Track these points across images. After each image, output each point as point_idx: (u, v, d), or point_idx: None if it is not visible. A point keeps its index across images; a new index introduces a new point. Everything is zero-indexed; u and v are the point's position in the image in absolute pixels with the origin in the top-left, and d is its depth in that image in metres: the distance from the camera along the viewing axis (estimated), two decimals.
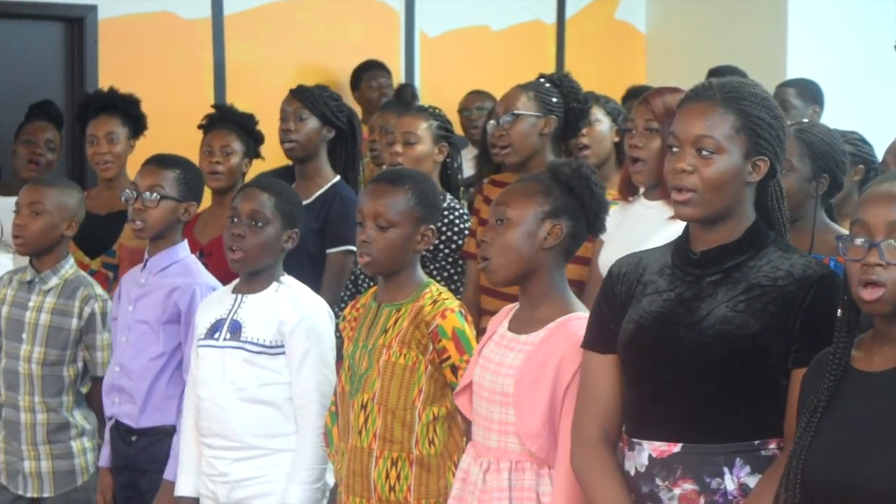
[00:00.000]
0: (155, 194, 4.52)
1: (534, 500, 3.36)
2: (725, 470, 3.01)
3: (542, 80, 4.96)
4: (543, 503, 3.36)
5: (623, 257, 3.29)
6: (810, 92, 7.33)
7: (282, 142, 5.47)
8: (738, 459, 3.02)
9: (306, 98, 5.46)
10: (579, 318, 3.40)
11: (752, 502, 2.98)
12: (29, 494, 4.78)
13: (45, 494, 4.77)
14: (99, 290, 4.83)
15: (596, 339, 3.22)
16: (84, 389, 4.84)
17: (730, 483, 3.01)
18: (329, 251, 5.27)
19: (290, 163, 5.94)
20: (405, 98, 7.79)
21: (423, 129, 5.19)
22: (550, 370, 3.33)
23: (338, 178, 5.45)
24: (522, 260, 3.44)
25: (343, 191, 5.37)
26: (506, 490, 3.37)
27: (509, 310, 3.58)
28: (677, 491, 3.05)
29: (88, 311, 4.76)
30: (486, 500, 3.40)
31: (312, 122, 5.44)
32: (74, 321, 4.76)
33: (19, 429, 4.77)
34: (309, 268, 5.12)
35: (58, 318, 4.77)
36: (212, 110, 5.89)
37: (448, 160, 5.29)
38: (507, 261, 3.44)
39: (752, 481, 3.00)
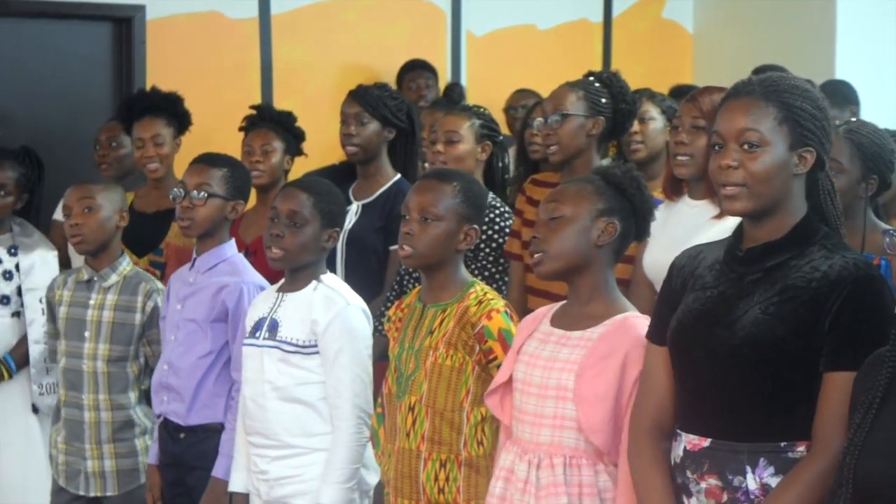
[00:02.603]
0: (202, 193, 4.54)
1: (595, 497, 3.38)
2: (748, 469, 3.04)
3: (591, 78, 4.93)
4: (605, 499, 3.37)
5: (686, 250, 3.32)
6: (842, 94, 7.25)
7: (343, 145, 5.47)
8: (762, 459, 3.03)
9: (366, 101, 5.46)
10: (637, 316, 3.46)
11: (771, 502, 2.98)
12: (91, 494, 4.80)
13: (109, 493, 4.80)
14: (159, 284, 4.88)
15: (655, 331, 3.27)
16: (145, 387, 4.85)
17: (751, 482, 3.03)
18: (392, 248, 5.27)
19: (336, 162, 5.95)
20: (453, 97, 7.78)
21: (466, 128, 5.19)
22: (614, 365, 3.36)
23: (399, 176, 5.47)
24: (575, 256, 3.46)
25: (405, 188, 5.36)
26: (562, 485, 3.38)
27: (548, 309, 3.60)
28: (703, 485, 3.09)
29: (151, 305, 4.80)
30: (542, 496, 3.40)
31: (373, 125, 5.45)
32: (138, 316, 4.79)
33: (83, 428, 4.79)
34: (375, 266, 5.13)
35: (121, 314, 4.80)
36: (251, 111, 5.91)
37: (493, 159, 5.28)
38: (560, 256, 3.46)
39: (774, 482, 3.01)
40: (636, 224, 3.53)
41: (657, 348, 3.24)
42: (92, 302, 4.83)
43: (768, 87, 3.08)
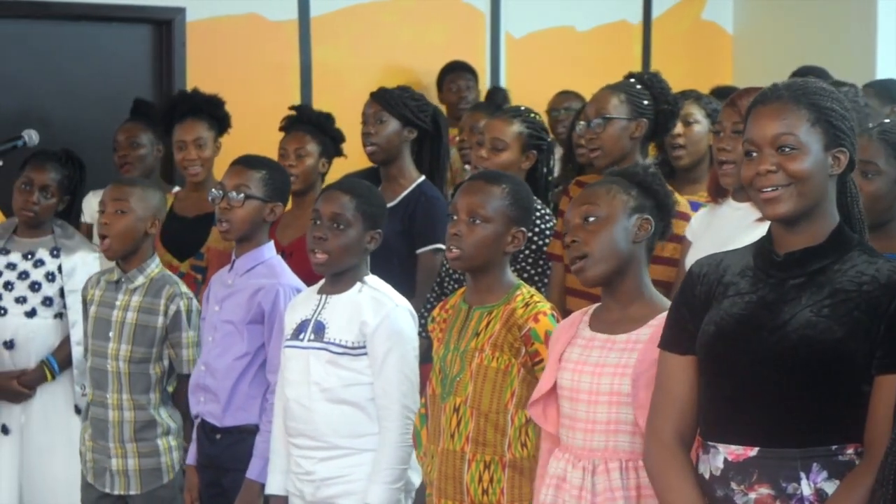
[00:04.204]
0: (241, 194, 4.55)
1: (655, 497, 3.33)
2: (802, 475, 3.00)
3: (631, 80, 4.92)
4: None
5: (703, 258, 3.29)
6: (888, 91, 7.22)
7: (364, 145, 5.47)
8: (815, 464, 2.99)
9: (385, 100, 5.45)
10: None
11: None
12: (116, 492, 4.82)
13: (132, 492, 4.81)
14: (184, 287, 4.86)
15: (674, 340, 3.22)
16: (171, 388, 4.88)
17: (806, 488, 2.99)
18: (419, 251, 5.27)
19: (374, 164, 5.95)
20: (496, 101, 7.78)
21: (512, 136, 5.12)
22: None
23: (422, 178, 5.44)
24: (620, 256, 3.47)
25: (427, 191, 5.36)
26: (619, 490, 3.38)
27: (582, 314, 3.59)
28: (753, 495, 3.04)
29: (174, 308, 4.79)
30: (598, 502, 3.39)
31: (393, 125, 5.43)
32: (160, 319, 4.79)
33: (107, 426, 4.81)
34: (398, 269, 5.13)
35: (144, 316, 4.80)
36: (290, 112, 5.91)
37: (537, 164, 5.23)
38: (605, 258, 3.47)
39: (828, 487, 2.98)
40: (663, 213, 3.56)
41: (676, 357, 3.20)
42: (118, 303, 4.84)
43: (796, 90, 3.08)
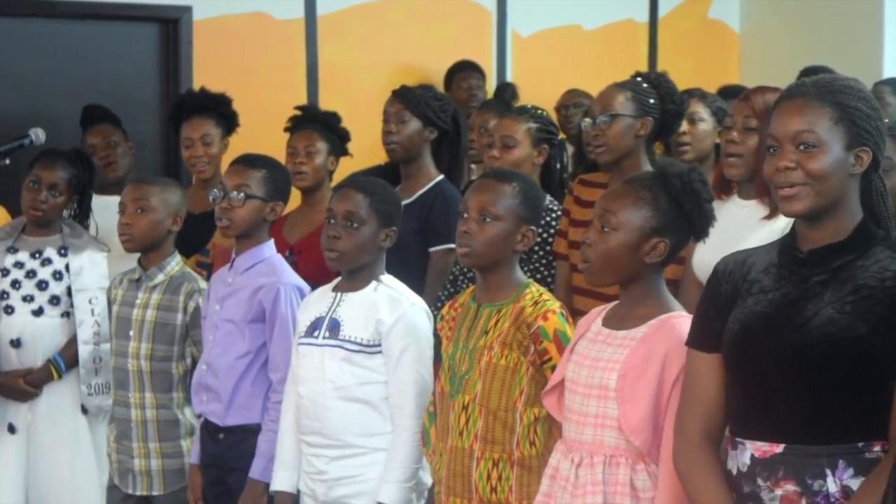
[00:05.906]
0: (241, 193, 4.54)
1: (627, 496, 3.37)
2: (828, 472, 2.99)
3: (639, 79, 4.92)
4: (641, 498, 3.36)
5: (729, 255, 3.28)
6: None
7: (384, 143, 5.47)
8: (841, 461, 2.99)
9: (408, 99, 5.45)
10: (681, 315, 3.43)
11: None
12: (139, 492, 4.82)
13: (155, 492, 4.81)
14: (203, 284, 4.85)
15: (700, 338, 3.22)
16: None
17: (832, 485, 2.99)
18: (431, 250, 5.26)
19: (381, 163, 5.94)
20: (505, 97, 7.77)
21: (522, 132, 5.15)
22: (655, 365, 3.34)
23: (441, 177, 5.43)
24: (622, 269, 3.46)
25: (445, 189, 5.35)
26: (600, 484, 3.38)
27: (601, 309, 3.59)
28: (779, 492, 3.03)
29: (193, 305, 4.79)
30: (578, 494, 3.40)
31: (414, 124, 5.43)
32: (179, 316, 4.79)
33: (130, 426, 4.81)
34: (413, 267, 5.13)
35: (163, 313, 4.80)
36: (296, 112, 5.91)
37: (550, 161, 5.24)
38: (608, 268, 3.46)
39: (854, 484, 2.97)
40: (693, 231, 3.50)
41: (703, 355, 3.20)
42: (138, 301, 4.84)
43: (822, 87, 3.06)
